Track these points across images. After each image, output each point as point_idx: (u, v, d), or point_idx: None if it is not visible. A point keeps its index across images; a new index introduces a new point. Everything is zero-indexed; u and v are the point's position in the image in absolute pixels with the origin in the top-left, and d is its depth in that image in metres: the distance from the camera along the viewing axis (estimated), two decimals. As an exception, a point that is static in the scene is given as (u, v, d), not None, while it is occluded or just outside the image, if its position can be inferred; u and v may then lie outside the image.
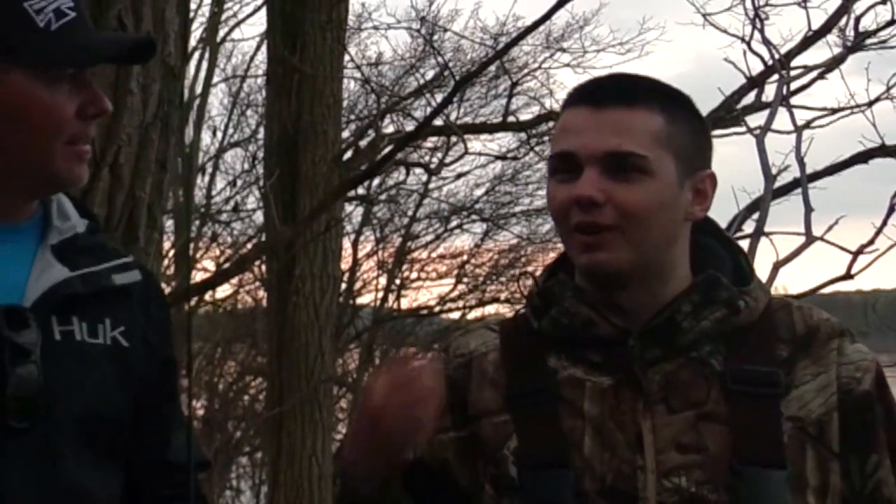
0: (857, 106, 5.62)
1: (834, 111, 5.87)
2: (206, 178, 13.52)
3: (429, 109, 8.78)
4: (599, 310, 1.96)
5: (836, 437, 1.94)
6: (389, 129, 11.21)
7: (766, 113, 5.08)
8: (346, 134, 10.49)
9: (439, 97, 8.08)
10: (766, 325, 1.99)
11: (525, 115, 10.80)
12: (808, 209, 4.61)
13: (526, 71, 11.44)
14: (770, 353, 1.96)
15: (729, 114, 6.90)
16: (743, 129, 5.21)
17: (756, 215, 4.72)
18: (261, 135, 10.48)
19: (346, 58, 8.98)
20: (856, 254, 4.62)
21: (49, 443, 1.90)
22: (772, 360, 1.96)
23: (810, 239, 4.53)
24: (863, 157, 6.27)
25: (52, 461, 1.90)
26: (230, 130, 13.74)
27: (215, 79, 13.67)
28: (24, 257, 1.95)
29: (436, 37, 10.85)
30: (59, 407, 1.90)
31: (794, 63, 6.01)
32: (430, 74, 11.28)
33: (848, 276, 4.66)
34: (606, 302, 1.96)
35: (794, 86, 6.00)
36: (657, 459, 1.90)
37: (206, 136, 13.65)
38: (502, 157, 12.77)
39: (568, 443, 1.93)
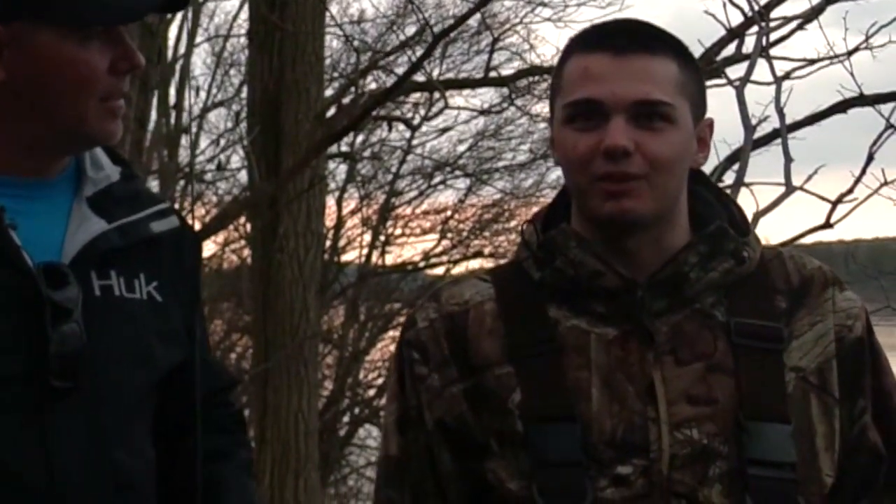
0: (836, 56, 5.59)
1: (813, 62, 5.85)
2: (191, 138, 13.50)
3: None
4: (605, 260, 1.92)
5: (836, 384, 1.95)
6: (372, 87, 11.21)
7: (745, 64, 5.08)
8: (328, 92, 10.47)
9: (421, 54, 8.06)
10: (763, 275, 1.98)
11: (507, 70, 10.78)
12: (788, 159, 4.61)
13: (507, 26, 11.43)
14: (770, 304, 1.96)
15: (709, 66, 6.89)
16: (723, 80, 5.18)
17: (736, 166, 4.72)
18: (244, 94, 10.44)
19: (328, 16, 8.95)
20: (835, 203, 4.62)
21: (92, 401, 1.87)
22: (773, 312, 1.95)
23: (790, 189, 4.52)
24: (841, 107, 6.27)
25: (96, 420, 1.88)
26: (214, 90, 13.73)
27: (198, 39, 13.63)
28: (59, 212, 1.92)
29: (417, -7, 10.82)
30: (102, 365, 1.87)
31: (773, 14, 6.00)
32: (411, 31, 11.27)
33: (828, 224, 4.67)
34: (613, 250, 1.92)
35: (773, 37, 6.00)
36: (669, 411, 1.88)
37: (189, 96, 13.61)
38: (486, 112, 12.79)
39: (574, 395, 1.90)
